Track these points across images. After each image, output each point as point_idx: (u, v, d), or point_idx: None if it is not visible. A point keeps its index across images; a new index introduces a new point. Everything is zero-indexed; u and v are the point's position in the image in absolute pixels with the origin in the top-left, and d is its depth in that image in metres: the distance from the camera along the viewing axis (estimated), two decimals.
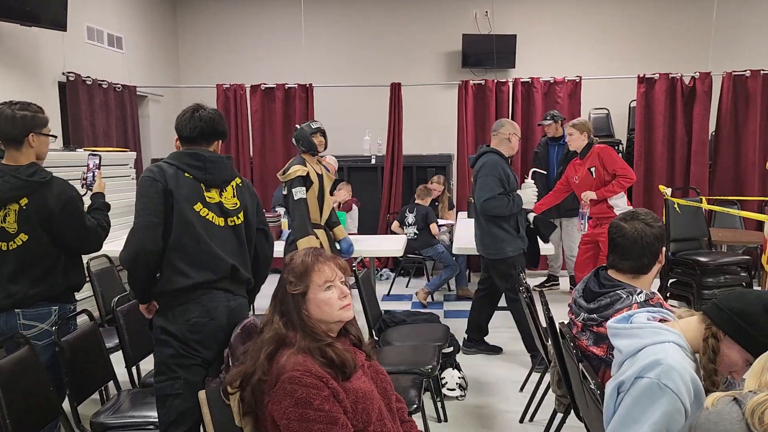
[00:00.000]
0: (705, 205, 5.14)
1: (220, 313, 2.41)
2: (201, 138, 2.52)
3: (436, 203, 6.69)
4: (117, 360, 3.05)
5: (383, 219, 7.04)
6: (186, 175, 2.43)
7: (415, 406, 2.76)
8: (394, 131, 6.90)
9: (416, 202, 6.32)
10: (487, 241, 4.29)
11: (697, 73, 6.62)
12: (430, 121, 7.83)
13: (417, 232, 6.15)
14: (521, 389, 3.92)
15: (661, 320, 1.90)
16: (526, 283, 3.50)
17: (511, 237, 4.21)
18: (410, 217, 6.24)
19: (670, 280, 5.04)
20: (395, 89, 6.87)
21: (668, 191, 4.97)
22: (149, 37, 7.53)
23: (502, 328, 5.14)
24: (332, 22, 8.08)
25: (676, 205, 4.92)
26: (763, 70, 6.52)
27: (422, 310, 4.85)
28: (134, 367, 3.14)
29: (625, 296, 2.16)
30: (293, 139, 4.28)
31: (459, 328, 5.00)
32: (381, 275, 6.92)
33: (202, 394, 1.94)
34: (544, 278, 6.52)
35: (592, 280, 2.33)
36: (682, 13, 7.73)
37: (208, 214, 2.43)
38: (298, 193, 4.07)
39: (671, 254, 4.90)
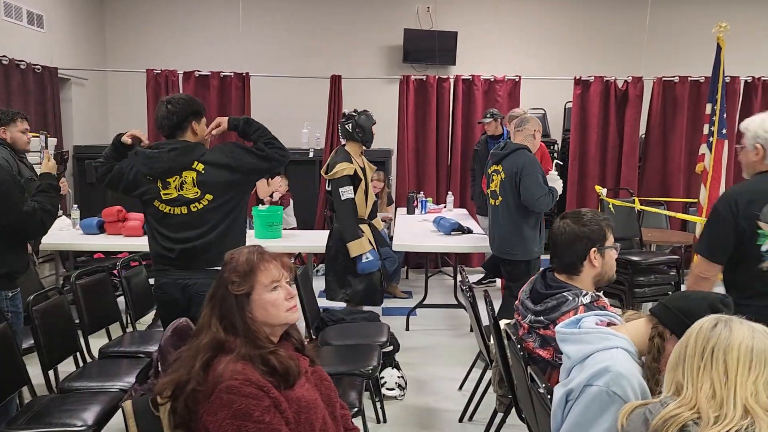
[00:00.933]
0: (638, 206, 5.28)
1: (172, 288, 2.76)
2: (173, 131, 2.75)
3: (376, 199, 6.59)
4: (32, 363, 2.81)
5: (320, 214, 6.90)
6: (146, 177, 2.74)
7: (356, 409, 2.67)
8: (333, 124, 6.76)
9: None
10: (515, 242, 4.03)
11: (630, 78, 6.81)
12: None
13: None
14: (460, 388, 3.90)
15: (608, 324, 1.89)
16: (468, 281, 3.47)
17: (538, 238, 4.07)
18: None
19: None
20: (335, 82, 6.74)
21: (604, 191, 5.07)
22: (73, 15, 7.09)
23: (442, 326, 5.13)
24: (271, 10, 7.84)
25: (610, 205, 5.02)
26: (691, 77, 6.78)
27: (362, 308, 4.76)
28: (51, 371, 2.90)
29: (571, 298, 2.14)
30: (348, 126, 4.10)
31: (398, 325, 4.95)
32: (318, 270, 6.78)
33: (127, 405, 1.78)
34: (482, 275, 6.55)
35: (539, 282, 2.30)
36: (617, 19, 7.94)
37: (165, 208, 2.74)
38: (346, 192, 4.00)
39: None
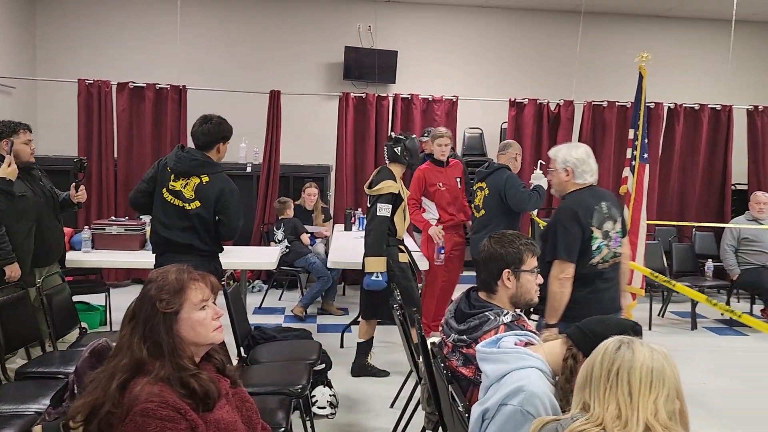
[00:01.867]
0: None
1: None
2: (202, 148, 3.46)
3: (312, 214, 6.60)
4: None
5: (257, 230, 6.83)
6: (167, 168, 3.44)
7: (282, 429, 2.65)
8: (271, 139, 6.74)
9: (280, 217, 6.24)
10: None
11: (562, 101, 7.07)
12: (309, 131, 7.73)
13: (288, 245, 6.04)
14: (392, 405, 3.91)
15: (527, 344, 1.95)
16: (399, 299, 3.50)
17: None
18: (279, 234, 6.15)
19: None
20: (274, 97, 6.72)
21: (534, 211, 5.23)
22: (1, 21, 6.82)
23: (376, 343, 5.13)
24: (210, 23, 7.77)
25: (540, 225, 5.18)
26: (618, 102, 7.09)
27: (294, 326, 4.73)
28: None
29: (492, 317, 2.20)
30: (397, 149, 4.24)
31: (332, 343, 4.94)
32: (253, 287, 6.71)
33: (37, 430, 1.72)
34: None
35: (463, 301, 2.35)
36: (550, 45, 8.26)
37: (168, 197, 3.42)
38: (383, 209, 4.12)
39: None
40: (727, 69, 7.79)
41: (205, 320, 1.75)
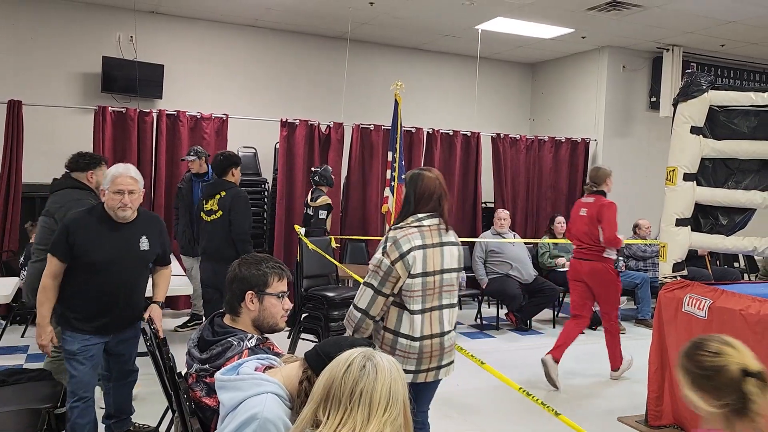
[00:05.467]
0: (334, 244, 5.63)
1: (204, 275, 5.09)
2: (220, 173, 4.84)
3: None
4: None
5: None
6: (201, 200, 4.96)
7: None
8: (11, 155, 5.94)
9: (31, 242, 5.54)
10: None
11: (332, 123, 7.29)
12: (60, 147, 6.91)
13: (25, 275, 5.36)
14: None
15: (267, 367, 1.92)
16: (153, 328, 3.27)
17: None
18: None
19: (304, 315, 5.34)
20: (14, 107, 5.94)
21: (302, 231, 5.29)
22: None
23: (140, 374, 4.76)
24: None
25: (309, 245, 5.26)
26: (384, 126, 7.51)
27: (32, 367, 4.19)
28: None
29: (236, 343, 2.14)
30: (317, 177, 6.23)
31: None
32: None
33: None
34: (187, 317, 6.30)
35: (206, 329, 2.26)
36: (320, 68, 8.51)
37: (205, 217, 4.83)
38: (322, 213, 6.09)
39: (304, 290, 5.21)
40: (474, 100, 8.74)
41: None
